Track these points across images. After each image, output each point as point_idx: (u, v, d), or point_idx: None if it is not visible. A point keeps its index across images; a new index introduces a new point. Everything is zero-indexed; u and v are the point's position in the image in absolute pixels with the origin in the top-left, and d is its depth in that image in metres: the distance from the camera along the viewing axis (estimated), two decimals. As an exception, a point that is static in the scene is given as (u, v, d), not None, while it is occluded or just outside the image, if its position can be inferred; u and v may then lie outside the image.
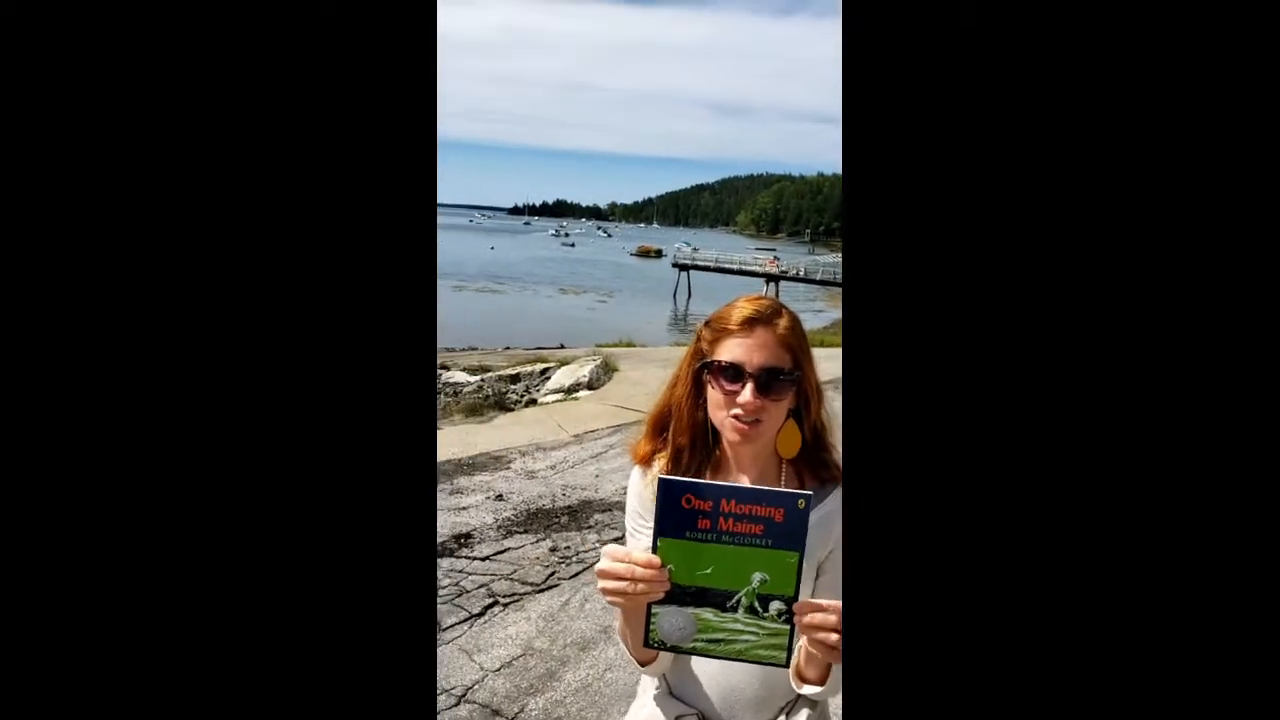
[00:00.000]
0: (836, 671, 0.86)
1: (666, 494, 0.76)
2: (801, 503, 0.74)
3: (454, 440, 5.24)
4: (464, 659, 2.55)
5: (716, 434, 0.99)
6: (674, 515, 0.76)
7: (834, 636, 0.75)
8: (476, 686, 2.44)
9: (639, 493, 1.04)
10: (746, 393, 0.91)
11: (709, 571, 0.76)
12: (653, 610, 0.78)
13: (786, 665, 0.78)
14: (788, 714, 0.97)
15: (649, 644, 0.79)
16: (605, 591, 0.78)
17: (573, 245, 77.74)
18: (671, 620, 0.78)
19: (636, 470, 1.05)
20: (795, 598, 0.76)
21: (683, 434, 0.99)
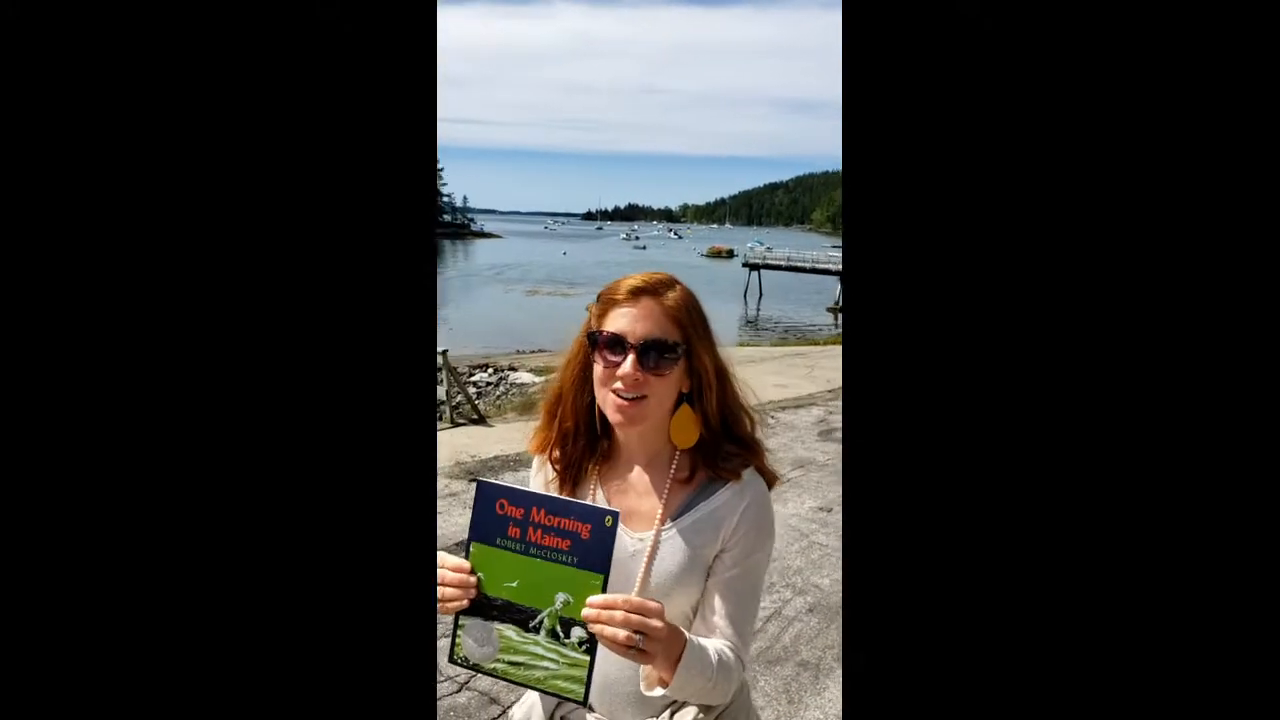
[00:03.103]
0: (684, 674, 0.78)
1: (481, 497, 0.73)
2: (609, 520, 0.70)
3: (501, 437, 5.42)
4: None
5: (605, 419, 0.91)
6: (487, 520, 0.72)
7: (621, 634, 0.69)
8: (479, 676, 2.45)
9: (532, 481, 0.99)
10: (627, 364, 0.85)
11: (515, 585, 0.72)
12: (460, 622, 0.74)
13: (584, 703, 0.72)
14: (672, 712, 0.89)
15: (453, 659, 0.75)
16: None
17: (644, 248, 78.25)
18: (476, 634, 0.74)
19: (536, 460, 1.00)
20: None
21: (569, 418, 0.93)
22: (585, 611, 0.70)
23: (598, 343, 0.87)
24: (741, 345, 13.49)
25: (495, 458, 4.83)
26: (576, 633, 0.71)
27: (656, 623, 0.71)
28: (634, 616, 0.70)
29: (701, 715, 0.88)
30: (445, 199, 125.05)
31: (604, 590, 0.71)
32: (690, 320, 0.88)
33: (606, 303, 0.89)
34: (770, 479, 0.92)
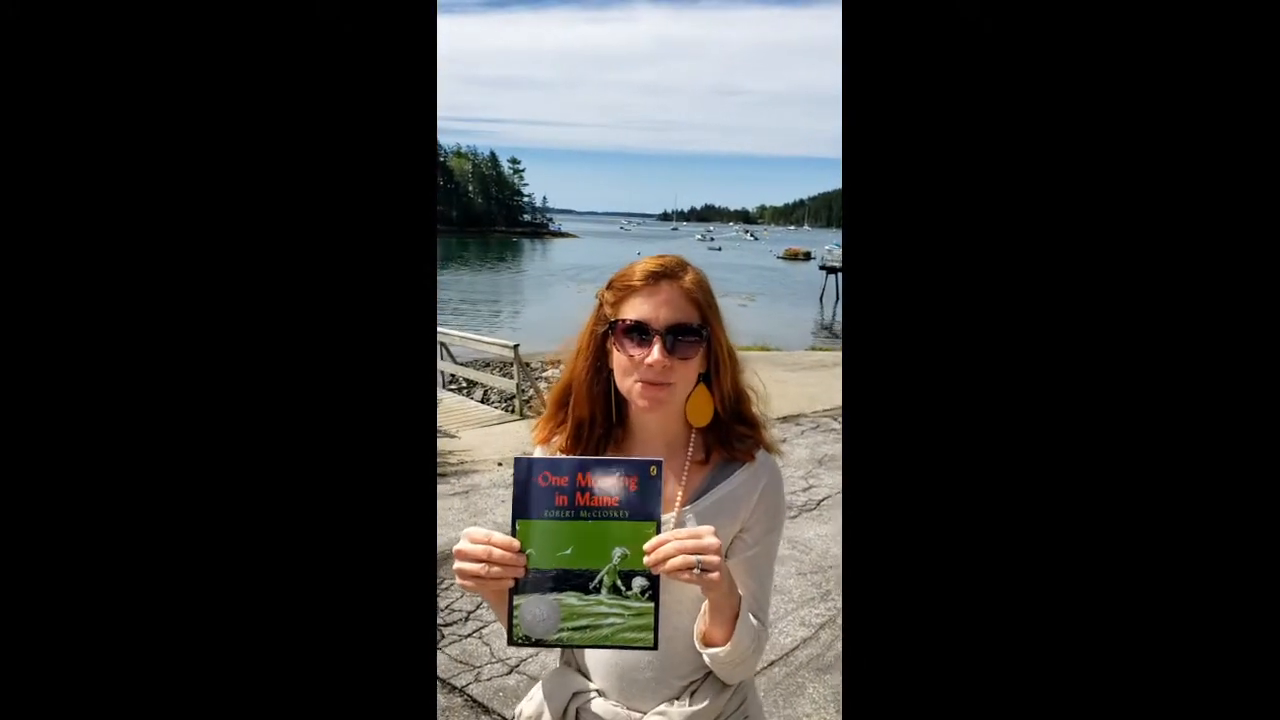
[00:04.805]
0: (741, 634, 0.81)
1: (522, 473, 0.73)
2: (653, 470, 0.72)
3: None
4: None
5: (620, 406, 0.91)
6: (531, 494, 0.72)
7: (679, 560, 0.71)
8: (530, 659, 2.55)
9: None
10: (655, 352, 0.83)
11: (569, 552, 0.72)
12: (515, 602, 0.73)
13: (654, 647, 0.73)
14: (691, 695, 0.90)
15: (513, 640, 0.74)
16: (460, 574, 0.72)
17: (719, 249, 77.67)
18: (534, 611, 0.73)
19: (537, 450, 0.97)
20: (658, 579, 0.72)
21: (582, 406, 0.91)
22: (646, 558, 0.71)
23: (617, 331, 0.86)
24: (813, 349, 13.12)
25: (563, 453, 4.91)
26: (638, 582, 0.72)
27: (710, 540, 0.72)
28: (688, 543, 0.71)
29: (714, 699, 0.89)
30: (525, 199, 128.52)
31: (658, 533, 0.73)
32: (707, 301, 0.88)
33: (622, 289, 0.87)
34: (773, 452, 0.94)
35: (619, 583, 0.72)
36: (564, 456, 0.74)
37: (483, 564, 0.71)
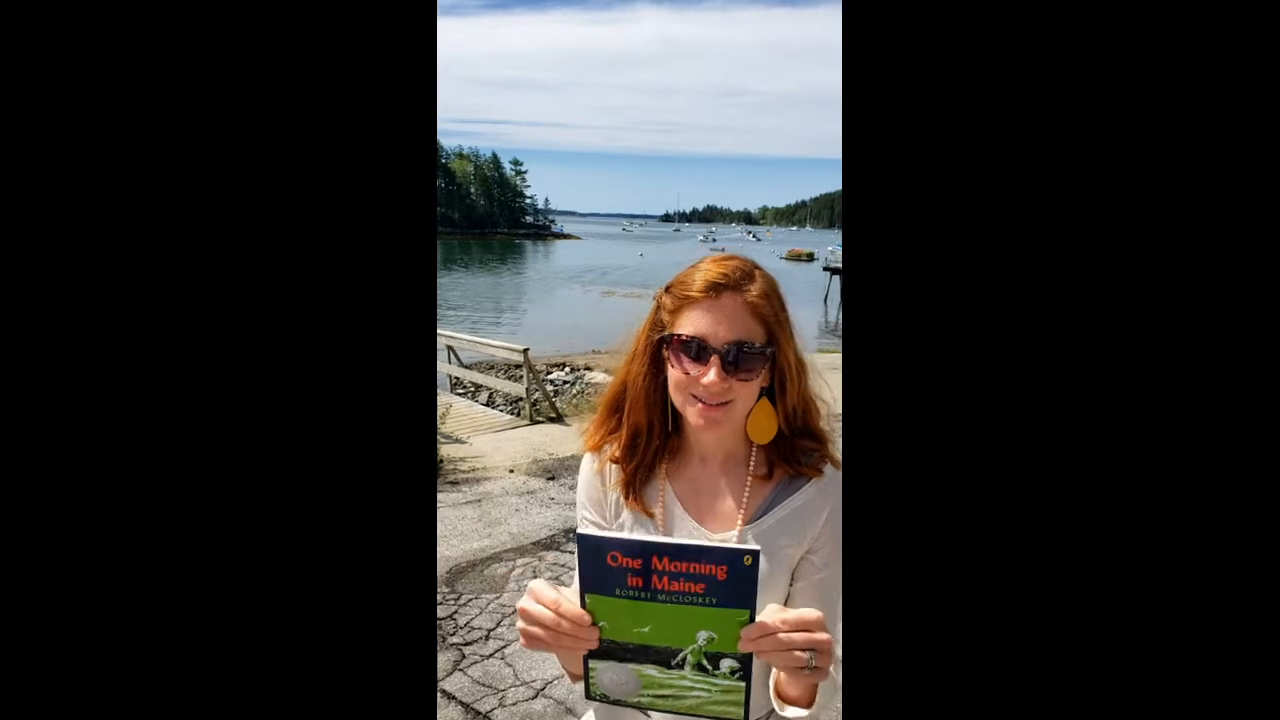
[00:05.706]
0: (826, 688, 0.74)
1: (587, 551, 0.65)
2: (748, 559, 0.62)
3: (580, 436, 5.40)
4: (550, 656, 2.54)
5: (677, 415, 0.86)
6: (599, 572, 0.65)
7: (793, 655, 0.63)
8: (555, 682, 2.47)
9: (588, 481, 0.93)
10: (712, 373, 0.77)
11: (646, 630, 0.65)
12: (590, 664, 0.68)
13: None
14: None
15: (591, 697, 0.69)
16: (525, 636, 0.67)
17: (721, 250, 77.56)
18: (612, 676, 0.68)
19: (587, 457, 0.93)
20: (750, 657, 0.65)
21: (639, 413, 0.86)
22: (742, 644, 0.64)
23: (673, 345, 0.80)
24: (821, 351, 13.11)
25: (572, 456, 4.91)
26: (727, 664, 0.65)
27: (824, 635, 0.64)
28: (798, 635, 0.63)
29: None
30: (528, 201, 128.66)
31: (752, 621, 0.64)
32: (775, 315, 0.81)
33: (680, 299, 0.81)
34: (840, 468, 0.87)
35: (705, 662, 0.65)
36: (634, 538, 0.65)
37: (549, 631, 0.65)
